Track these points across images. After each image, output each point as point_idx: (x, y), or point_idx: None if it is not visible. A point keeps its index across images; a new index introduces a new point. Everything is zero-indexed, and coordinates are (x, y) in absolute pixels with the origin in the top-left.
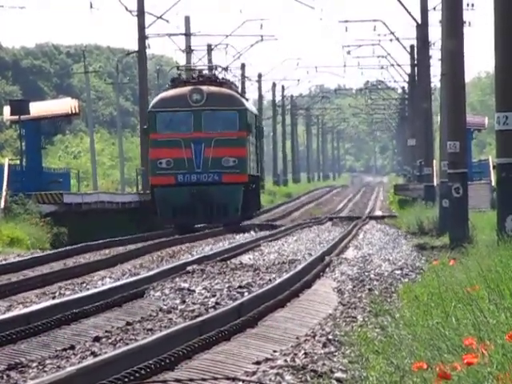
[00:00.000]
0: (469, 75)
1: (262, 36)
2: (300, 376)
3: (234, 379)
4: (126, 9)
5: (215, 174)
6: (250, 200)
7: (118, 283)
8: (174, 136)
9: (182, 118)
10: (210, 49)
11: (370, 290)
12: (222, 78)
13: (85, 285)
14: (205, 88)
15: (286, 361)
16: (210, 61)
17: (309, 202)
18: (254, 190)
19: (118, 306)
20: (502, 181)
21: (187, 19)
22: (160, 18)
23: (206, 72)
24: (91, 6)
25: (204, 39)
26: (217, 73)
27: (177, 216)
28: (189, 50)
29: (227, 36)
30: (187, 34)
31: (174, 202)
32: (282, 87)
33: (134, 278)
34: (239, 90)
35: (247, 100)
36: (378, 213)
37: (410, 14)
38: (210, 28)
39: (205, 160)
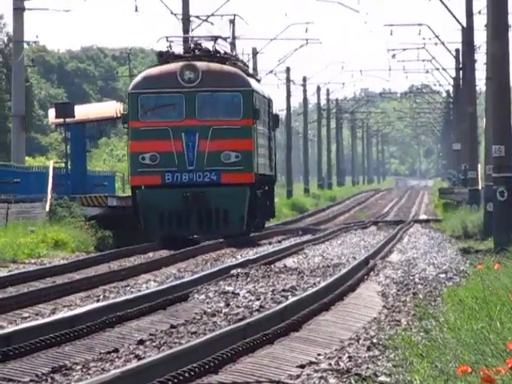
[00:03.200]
0: None
1: (307, 40)
2: (344, 379)
3: (277, 382)
4: (171, 12)
5: (213, 173)
6: (259, 206)
7: (163, 286)
8: (160, 124)
9: (171, 101)
10: (254, 52)
11: (414, 293)
12: (225, 53)
13: (129, 288)
14: (200, 64)
15: (330, 364)
16: (254, 65)
17: (353, 206)
18: (265, 194)
19: (162, 309)
20: None
21: (232, 22)
22: (205, 21)
23: (205, 46)
24: (136, 9)
25: (249, 43)
26: (221, 47)
27: (164, 226)
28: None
29: (272, 40)
30: (232, 38)
31: (160, 208)
32: (327, 91)
33: (179, 282)
34: (251, 70)
35: (258, 81)
36: (423, 216)
37: (455, 17)
38: (254, 31)
39: (199, 155)
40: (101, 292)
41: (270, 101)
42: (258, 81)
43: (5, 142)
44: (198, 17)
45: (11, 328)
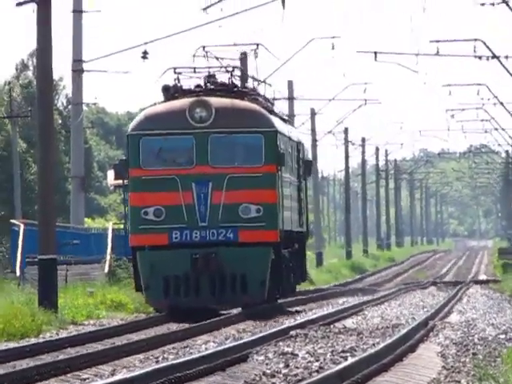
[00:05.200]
0: None
1: (365, 100)
2: None
3: None
4: (231, 72)
5: (229, 230)
6: (287, 268)
7: (222, 347)
8: (166, 172)
9: (179, 144)
10: (313, 113)
11: (473, 354)
12: (244, 86)
13: (188, 349)
14: (213, 100)
15: None
16: (313, 125)
17: (412, 266)
18: (294, 254)
19: (221, 370)
20: None
21: (290, 83)
22: (263, 82)
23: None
24: (195, 71)
25: (307, 103)
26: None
27: (170, 294)
28: (291, 114)
29: (330, 100)
30: (290, 98)
31: (166, 273)
32: (386, 151)
33: (238, 342)
34: (276, 108)
35: (287, 121)
36: (482, 277)
37: None
38: (313, 92)
39: (213, 208)
40: (160, 353)
41: (299, 144)
42: (287, 121)
43: (64, 203)
44: (253, 77)
45: None
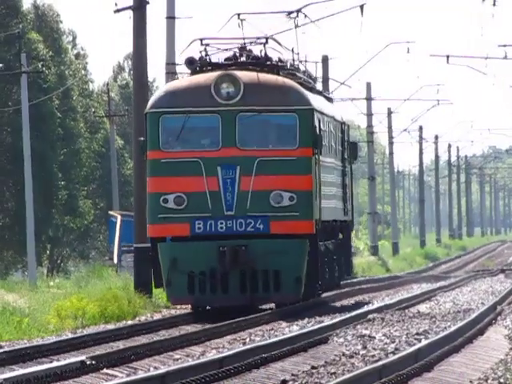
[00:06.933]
0: None
1: (438, 100)
2: None
3: None
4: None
5: (259, 220)
6: (328, 263)
7: (304, 330)
8: (188, 155)
9: (203, 124)
10: (389, 112)
11: None
12: (279, 60)
13: (273, 331)
14: (242, 74)
15: None
16: (389, 124)
17: (482, 255)
18: (337, 245)
19: (303, 351)
20: None
21: (368, 85)
22: (343, 83)
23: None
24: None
25: (384, 103)
26: (275, 55)
27: (194, 290)
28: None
29: (405, 100)
30: (368, 99)
31: (188, 268)
32: (457, 148)
33: (319, 326)
34: (316, 85)
35: (329, 99)
36: None
37: None
38: (389, 93)
39: (241, 196)
40: (247, 335)
41: (343, 124)
42: (329, 99)
43: None
44: (335, 80)
45: (165, 369)
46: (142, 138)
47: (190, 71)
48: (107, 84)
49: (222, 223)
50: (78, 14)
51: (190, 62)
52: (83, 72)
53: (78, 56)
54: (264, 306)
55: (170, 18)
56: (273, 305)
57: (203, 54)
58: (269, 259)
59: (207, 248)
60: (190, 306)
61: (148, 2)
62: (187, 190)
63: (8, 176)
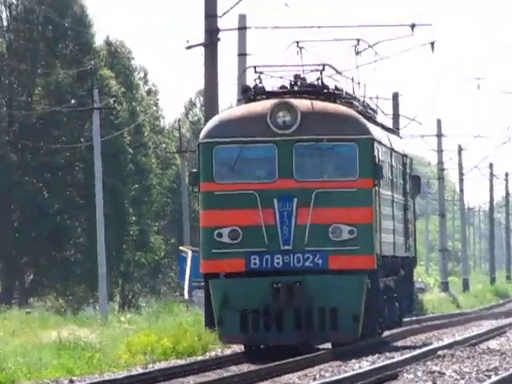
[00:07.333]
0: None
1: (509, 138)
2: None
3: None
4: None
5: (317, 256)
6: (388, 300)
7: (374, 366)
8: (243, 187)
9: (259, 154)
10: (460, 149)
11: None
12: (336, 88)
13: (343, 367)
14: (299, 103)
15: None
16: (460, 161)
17: None
18: (400, 283)
19: None
20: None
21: (439, 122)
22: (413, 120)
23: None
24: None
25: (455, 140)
26: (331, 82)
27: (248, 329)
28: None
29: (476, 137)
30: (439, 135)
31: (243, 304)
32: None
33: (389, 362)
34: (378, 117)
35: (394, 132)
36: None
37: None
38: (459, 129)
39: (298, 229)
40: (317, 371)
41: (405, 157)
42: (392, 131)
43: None
44: (405, 116)
45: None
46: (195, 170)
47: (243, 100)
48: (179, 120)
49: (278, 258)
50: (149, 51)
51: (244, 91)
52: (154, 108)
53: (149, 92)
54: (320, 346)
55: (242, 54)
56: (328, 344)
57: (257, 81)
58: (325, 296)
59: (261, 284)
60: (242, 345)
61: (219, 39)
62: (242, 223)
63: (80, 211)
